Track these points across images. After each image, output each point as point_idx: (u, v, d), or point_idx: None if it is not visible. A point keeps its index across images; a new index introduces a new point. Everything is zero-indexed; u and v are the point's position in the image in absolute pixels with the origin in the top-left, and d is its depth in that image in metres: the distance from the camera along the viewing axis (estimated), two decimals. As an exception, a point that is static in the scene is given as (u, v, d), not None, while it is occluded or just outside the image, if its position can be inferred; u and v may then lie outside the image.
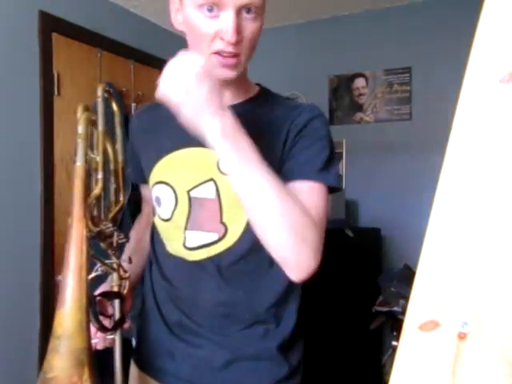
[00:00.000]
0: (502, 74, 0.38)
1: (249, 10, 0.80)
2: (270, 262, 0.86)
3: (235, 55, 0.82)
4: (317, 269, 0.82)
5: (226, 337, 0.91)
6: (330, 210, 0.90)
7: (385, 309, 2.55)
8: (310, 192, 0.85)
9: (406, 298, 2.40)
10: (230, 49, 0.81)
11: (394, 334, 2.59)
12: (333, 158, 0.90)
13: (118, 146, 0.96)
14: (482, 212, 0.38)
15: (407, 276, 2.54)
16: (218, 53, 0.81)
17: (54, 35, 2.56)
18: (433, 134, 2.83)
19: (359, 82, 3.13)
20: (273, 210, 0.75)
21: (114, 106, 1.02)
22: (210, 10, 0.79)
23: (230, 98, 0.93)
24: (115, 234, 0.89)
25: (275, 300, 0.93)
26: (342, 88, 3.19)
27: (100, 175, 0.87)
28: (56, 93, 2.57)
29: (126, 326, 0.92)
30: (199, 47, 0.83)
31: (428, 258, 0.40)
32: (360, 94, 3.13)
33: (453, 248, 0.39)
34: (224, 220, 0.90)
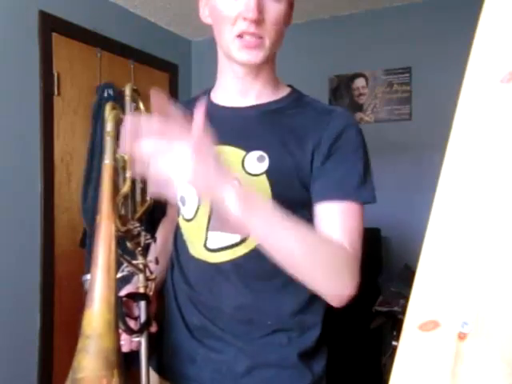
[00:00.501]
0: (502, 73, 0.38)
1: None
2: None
3: (258, 37, 0.81)
4: (356, 291, 0.82)
5: (249, 343, 0.89)
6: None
7: (385, 309, 2.55)
8: (347, 212, 0.84)
9: (406, 297, 2.40)
10: (253, 29, 0.80)
11: (394, 334, 2.59)
12: (368, 170, 0.89)
13: None
14: (482, 212, 0.38)
15: (407, 276, 2.54)
16: (240, 36, 0.81)
17: (54, 35, 2.56)
18: (433, 134, 2.83)
19: (359, 82, 3.13)
20: (301, 259, 0.74)
21: (141, 105, 1.01)
22: None
23: (256, 96, 0.92)
24: (142, 234, 0.88)
25: (299, 308, 0.90)
26: (341, 88, 3.19)
27: (128, 174, 0.86)
28: (56, 93, 2.57)
29: (153, 329, 0.90)
30: (224, 33, 0.83)
31: (428, 257, 0.40)
32: (360, 94, 3.13)
33: (453, 248, 0.39)
34: None
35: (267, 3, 0.81)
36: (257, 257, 0.82)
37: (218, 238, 0.89)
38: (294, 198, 0.86)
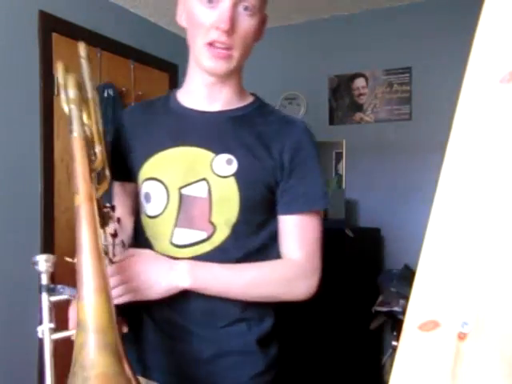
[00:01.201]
0: (502, 73, 0.38)
1: (246, 8, 0.86)
2: None
3: (228, 48, 0.86)
4: (317, 288, 0.98)
5: (213, 332, 0.94)
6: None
7: (385, 309, 2.55)
8: (309, 224, 0.97)
9: (406, 297, 2.40)
10: (224, 38, 0.85)
11: (394, 334, 2.59)
12: (323, 178, 0.99)
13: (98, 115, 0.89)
14: (482, 212, 0.38)
15: (407, 276, 2.54)
16: (211, 44, 0.86)
17: (54, 35, 2.56)
18: (433, 134, 2.83)
19: (359, 82, 3.13)
20: (254, 295, 0.92)
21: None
22: (210, 1, 0.85)
23: (223, 102, 0.97)
24: (110, 213, 0.84)
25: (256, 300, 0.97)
26: (341, 88, 3.19)
27: (98, 148, 0.81)
28: (56, 93, 2.57)
29: (125, 330, 0.89)
30: (196, 39, 0.89)
31: (428, 257, 0.40)
32: (360, 94, 3.13)
33: (453, 248, 0.39)
34: (212, 219, 0.92)
35: (240, 17, 0.86)
36: (217, 255, 0.92)
37: (185, 235, 0.93)
38: (260, 199, 0.94)
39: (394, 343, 2.55)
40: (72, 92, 0.77)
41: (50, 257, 0.72)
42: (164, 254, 0.93)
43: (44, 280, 0.72)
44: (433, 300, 0.39)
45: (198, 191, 0.92)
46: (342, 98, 3.19)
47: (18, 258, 2.34)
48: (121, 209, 1.03)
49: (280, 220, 0.96)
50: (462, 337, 0.37)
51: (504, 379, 0.35)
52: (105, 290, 0.65)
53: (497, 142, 0.38)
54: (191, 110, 0.98)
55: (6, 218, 2.30)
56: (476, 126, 0.39)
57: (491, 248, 0.37)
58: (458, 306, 0.38)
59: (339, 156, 3.17)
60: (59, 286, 0.74)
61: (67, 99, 0.80)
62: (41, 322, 0.70)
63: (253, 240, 0.95)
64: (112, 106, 2.69)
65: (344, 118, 3.18)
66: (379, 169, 3.06)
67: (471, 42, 0.40)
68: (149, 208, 0.96)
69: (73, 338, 0.71)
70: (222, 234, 0.92)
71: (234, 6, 0.85)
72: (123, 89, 2.91)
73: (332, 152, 3.20)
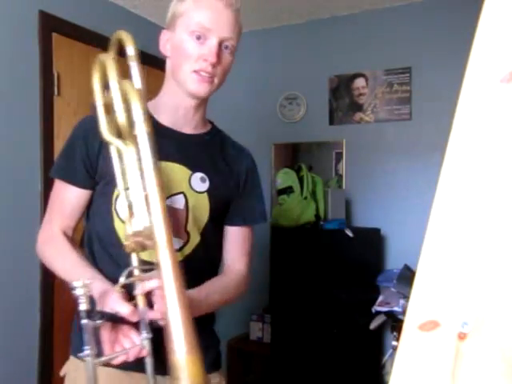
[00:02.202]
0: (502, 73, 0.38)
1: (226, 47, 1.03)
2: (216, 268, 1.17)
3: (211, 76, 1.02)
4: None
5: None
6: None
7: (385, 309, 2.55)
8: (251, 234, 1.20)
9: (406, 297, 2.40)
10: (210, 69, 1.01)
11: (394, 334, 2.59)
12: (263, 199, 1.22)
13: None
14: (482, 212, 0.38)
15: (407, 276, 2.54)
16: (197, 72, 1.01)
17: (54, 35, 2.56)
18: (433, 134, 2.83)
19: (359, 82, 3.13)
20: (223, 305, 1.11)
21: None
22: (199, 38, 1.01)
23: (193, 127, 1.12)
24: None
25: None
26: (341, 88, 3.19)
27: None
28: (56, 93, 2.57)
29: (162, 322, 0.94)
30: (183, 66, 1.03)
31: (428, 257, 0.40)
32: (360, 94, 3.13)
33: (453, 248, 0.39)
34: (188, 229, 1.07)
35: (222, 54, 1.03)
36: (196, 256, 1.08)
37: None
38: (224, 212, 1.15)
39: (394, 343, 2.55)
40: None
41: (88, 282, 0.75)
42: (145, 259, 0.97)
43: (83, 306, 0.74)
44: (433, 300, 0.39)
45: (177, 203, 1.06)
46: (342, 98, 3.19)
47: (18, 258, 2.34)
48: (76, 218, 1.11)
49: (227, 230, 1.17)
50: (462, 337, 0.37)
51: (504, 379, 0.35)
52: (194, 343, 0.67)
53: (497, 141, 0.38)
54: (168, 129, 1.09)
55: (6, 218, 2.30)
56: (476, 126, 0.39)
57: (491, 248, 0.37)
58: (458, 305, 0.38)
59: (339, 156, 3.17)
60: (98, 311, 0.79)
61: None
62: (82, 346, 0.76)
63: (217, 245, 1.16)
64: (112, 106, 2.68)
65: (344, 117, 3.18)
66: (379, 169, 3.06)
67: (471, 41, 0.40)
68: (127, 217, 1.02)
69: (113, 362, 0.80)
70: (194, 240, 1.09)
71: (219, 44, 1.01)
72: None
73: (332, 152, 3.20)
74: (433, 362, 0.38)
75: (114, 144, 0.82)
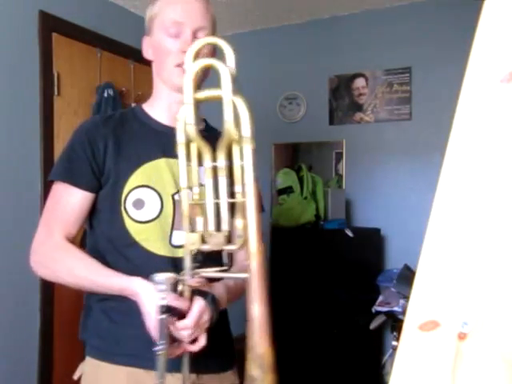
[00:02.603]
0: (502, 73, 0.38)
1: (201, 36, 1.03)
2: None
3: None
4: None
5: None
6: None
7: (385, 309, 2.55)
8: None
9: (406, 297, 2.40)
10: None
11: (394, 334, 2.59)
12: None
13: None
14: (482, 212, 0.38)
15: (407, 276, 2.54)
16: (179, 65, 1.02)
17: (54, 35, 2.56)
18: (433, 134, 2.83)
19: (359, 82, 3.13)
20: (237, 298, 1.07)
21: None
22: (175, 35, 1.04)
23: None
24: None
25: None
26: (341, 88, 3.19)
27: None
28: (56, 93, 2.57)
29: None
30: (165, 63, 1.06)
31: (428, 257, 0.40)
32: (360, 94, 3.13)
33: (452, 248, 0.39)
34: None
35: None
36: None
37: (181, 236, 1.00)
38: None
39: (394, 343, 2.55)
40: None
41: (170, 277, 0.81)
42: (162, 256, 1.03)
43: (164, 301, 0.80)
44: (433, 300, 0.39)
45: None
46: (342, 97, 3.19)
47: (18, 257, 2.34)
48: (78, 226, 1.07)
49: None
50: (462, 337, 0.37)
51: (504, 379, 0.35)
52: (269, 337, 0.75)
53: (497, 141, 0.38)
54: (166, 126, 1.09)
55: (6, 218, 2.30)
56: (476, 126, 0.39)
57: (491, 248, 0.37)
58: (458, 305, 0.38)
59: (339, 156, 3.17)
60: (170, 306, 0.82)
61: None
62: (160, 340, 0.80)
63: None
64: (112, 106, 2.68)
65: (344, 117, 3.18)
66: (379, 169, 3.06)
67: (471, 41, 0.40)
68: (140, 214, 1.04)
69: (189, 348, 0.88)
70: None
71: (194, 35, 1.04)
72: (123, 89, 2.91)
73: (332, 152, 3.20)
74: (433, 361, 0.38)
75: (199, 144, 0.83)
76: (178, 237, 1.03)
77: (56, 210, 1.06)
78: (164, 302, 0.79)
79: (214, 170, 0.82)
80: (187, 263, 0.86)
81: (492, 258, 0.37)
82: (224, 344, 1.13)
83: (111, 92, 2.71)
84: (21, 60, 2.38)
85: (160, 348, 0.81)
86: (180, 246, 1.01)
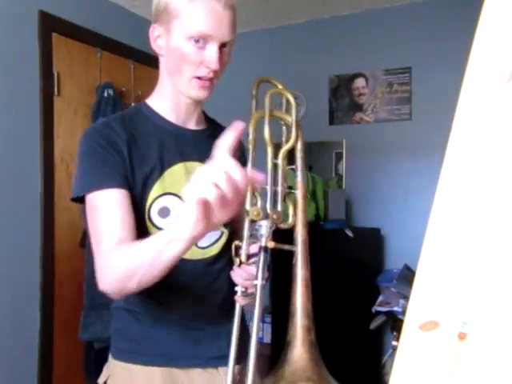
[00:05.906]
0: (502, 73, 0.38)
1: (225, 45, 0.98)
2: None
3: (211, 79, 1.00)
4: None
5: (222, 325, 1.06)
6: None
7: (385, 309, 2.55)
8: None
9: (406, 297, 2.40)
10: (211, 75, 0.98)
11: (394, 334, 2.59)
12: None
13: None
14: (482, 212, 0.38)
15: (407, 276, 2.54)
16: (198, 77, 0.99)
17: (54, 35, 2.56)
18: (433, 134, 2.83)
19: (359, 82, 3.13)
20: None
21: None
22: (198, 42, 0.96)
23: (195, 122, 1.10)
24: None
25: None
26: (341, 88, 3.19)
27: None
28: (56, 93, 2.57)
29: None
30: (183, 71, 0.99)
31: (428, 257, 0.40)
32: (360, 94, 3.13)
33: (452, 248, 0.39)
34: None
35: (223, 54, 0.99)
36: (228, 245, 1.05)
37: (205, 238, 0.94)
38: None
39: (394, 343, 2.55)
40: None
41: (269, 223, 0.91)
42: (191, 259, 1.03)
43: (263, 242, 0.92)
44: (433, 300, 0.39)
45: None
46: (342, 97, 3.19)
47: (18, 257, 2.35)
48: (130, 227, 0.95)
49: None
50: (462, 337, 0.37)
51: (504, 379, 0.35)
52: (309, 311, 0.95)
53: (497, 141, 0.38)
54: (178, 127, 1.08)
55: (6, 218, 2.30)
56: (476, 126, 0.39)
57: (491, 249, 0.37)
58: (458, 305, 0.38)
59: (339, 156, 3.17)
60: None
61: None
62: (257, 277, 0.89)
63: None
64: (112, 106, 2.68)
65: (344, 117, 3.18)
66: (379, 169, 3.06)
67: (471, 42, 0.40)
68: (166, 222, 1.01)
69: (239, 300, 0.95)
70: (225, 233, 1.10)
71: (220, 48, 0.97)
72: (123, 89, 2.91)
73: (332, 152, 3.20)
74: (433, 362, 0.38)
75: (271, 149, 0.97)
76: (205, 238, 0.96)
77: (100, 226, 0.94)
78: (263, 244, 0.91)
79: (275, 165, 0.95)
80: (246, 232, 0.94)
81: (492, 259, 0.37)
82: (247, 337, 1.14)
83: (111, 92, 2.71)
84: (21, 60, 2.38)
85: (262, 283, 0.90)
86: (204, 248, 1.06)
